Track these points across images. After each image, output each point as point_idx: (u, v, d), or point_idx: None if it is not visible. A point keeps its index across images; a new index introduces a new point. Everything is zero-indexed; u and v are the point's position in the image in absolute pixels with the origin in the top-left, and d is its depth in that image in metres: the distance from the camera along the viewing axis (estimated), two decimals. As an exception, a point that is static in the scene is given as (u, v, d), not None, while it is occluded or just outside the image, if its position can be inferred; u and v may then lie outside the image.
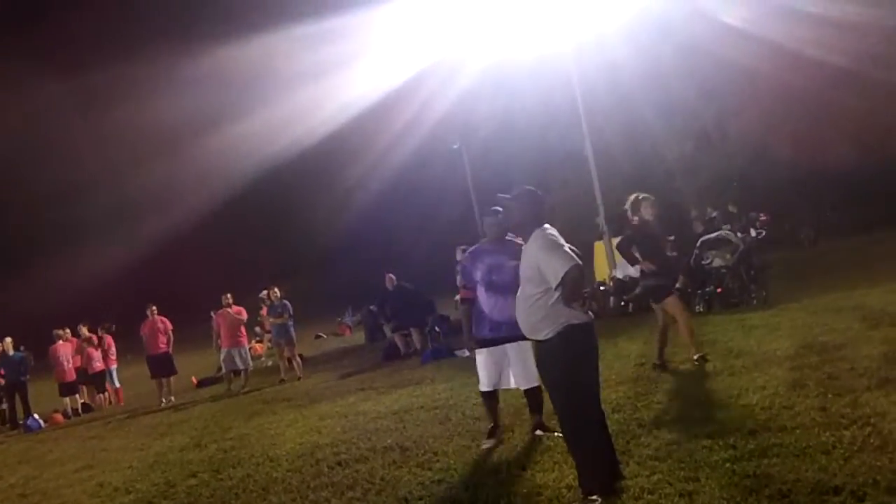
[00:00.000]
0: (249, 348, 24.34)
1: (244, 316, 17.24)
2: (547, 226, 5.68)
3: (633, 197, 10.38)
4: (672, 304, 9.96)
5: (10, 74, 55.70)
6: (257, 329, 26.43)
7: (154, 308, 17.54)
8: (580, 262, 5.43)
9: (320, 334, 30.21)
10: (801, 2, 25.15)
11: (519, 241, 7.47)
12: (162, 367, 17.46)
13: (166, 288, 18.00)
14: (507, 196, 5.92)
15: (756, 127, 30.14)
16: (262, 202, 57.77)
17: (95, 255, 52.88)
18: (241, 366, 17.06)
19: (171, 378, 17.63)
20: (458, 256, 17.09)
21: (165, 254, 51.06)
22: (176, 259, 51.72)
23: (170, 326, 17.68)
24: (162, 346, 17.44)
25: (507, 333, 7.22)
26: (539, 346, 5.66)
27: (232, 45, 38.77)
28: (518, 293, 5.73)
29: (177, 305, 17.76)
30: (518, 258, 6.11)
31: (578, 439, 5.57)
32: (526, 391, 7.69)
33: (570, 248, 5.51)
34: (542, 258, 5.47)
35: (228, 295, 17.24)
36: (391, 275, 18.86)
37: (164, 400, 17.00)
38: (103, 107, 52.64)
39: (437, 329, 17.95)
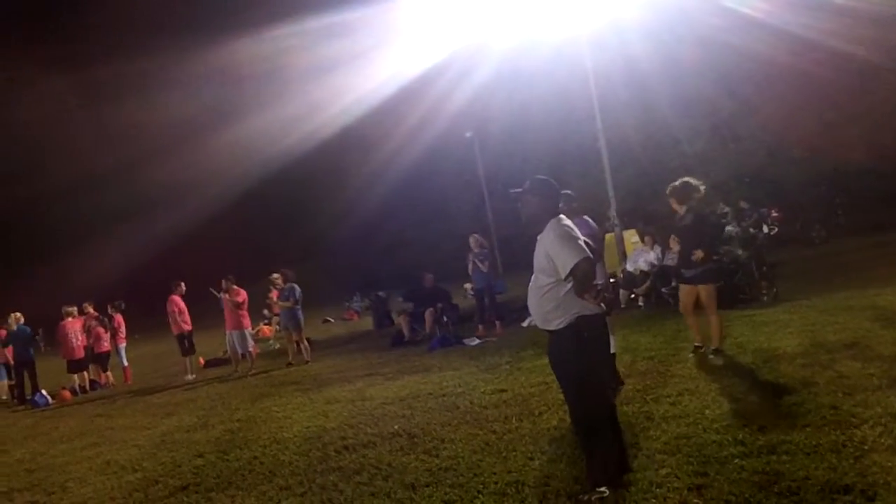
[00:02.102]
0: (257, 331, 24.45)
1: (241, 298, 17.18)
2: (562, 216, 5.67)
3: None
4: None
5: (32, 70, 56.19)
6: (265, 312, 26.46)
7: (183, 285, 17.72)
8: (591, 255, 5.41)
9: (328, 319, 30.22)
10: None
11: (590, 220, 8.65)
12: (191, 344, 17.88)
13: (183, 271, 18.05)
14: (519, 190, 5.88)
15: (772, 123, 29.98)
16: (280, 191, 58.15)
17: (117, 242, 53.60)
18: (239, 349, 17.09)
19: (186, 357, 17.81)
20: (472, 244, 17.12)
21: (184, 240, 51.44)
22: (194, 245, 52.00)
23: None
24: (188, 324, 17.64)
25: None
26: (550, 336, 5.64)
27: (251, 39, 39.08)
28: (531, 282, 5.72)
29: (192, 288, 17.75)
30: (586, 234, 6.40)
31: (589, 431, 5.56)
32: None
33: (584, 241, 5.49)
34: (554, 249, 5.46)
35: (230, 277, 17.26)
36: (430, 275, 19.05)
37: (190, 376, 17.30)
38: (128, 100, 53.16)
39: (445, 318, 17.92)
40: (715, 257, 14.62)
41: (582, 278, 5.36)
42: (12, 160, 56.12)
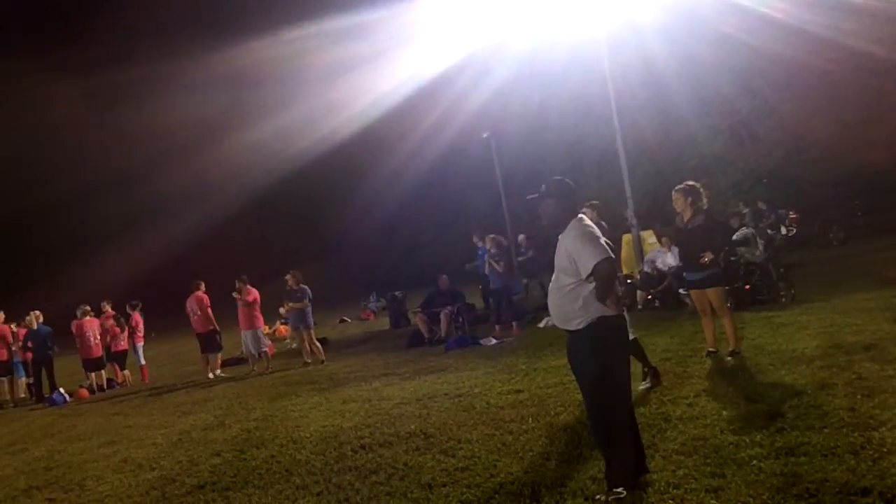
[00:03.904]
0: (274, 330, 24.47)
1: (251, 298, 17.19)
2: (583, 216, 5.66)
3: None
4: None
5: (54, 75, 56.76)
6: (282, 310, 26.48)
7: (203, 284, 17.74)
8: (612, 256, 5.40)
9: (344, 318, 30.23)
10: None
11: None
12: (219, 341, 17.89)
13: (203, 271, 18.20)
14: (536, 195, 5.86)
15: (791, 123, 29.86)
16: (298, 192, 58.45)
17: (138, 242, 54.07)
18: (252, 349, 17.13)
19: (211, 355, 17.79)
20: (488, 245, 17.13)
21: (203, 240, 51.77)
22: (213, 245, 52.30)
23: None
24: (209, 324, 17.66)
25: None
26: (570, 336, 5.64)
27: (269, 41, 39.25)
28: (552, 282, 5.71)
29: (210, 288, 17.80)
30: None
31: (606, 431, 5.54)
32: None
33: (605, 242, 5.49)
34: (575, 249, 5.45)
35: (244, 277, 17.29)
36: (445, 276, 19.12)
37: (210, 375, 17.31)
38: (148, 103, 53.61)
39: (461, 319, 17.91)
40: (732, 258, 14.68)
41: (604, 279, 5.37)
42: (34, 164, 56.71)
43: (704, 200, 10.23)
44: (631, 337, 8.09)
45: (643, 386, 8.59)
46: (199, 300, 17.56)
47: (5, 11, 67.24)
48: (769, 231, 19.17)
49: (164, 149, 55.49)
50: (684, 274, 10.81)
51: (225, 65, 44.39)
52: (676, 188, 10.34)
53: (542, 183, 5.88)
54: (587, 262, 5.36)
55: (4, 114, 53.38)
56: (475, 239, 20.41)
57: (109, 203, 57.01)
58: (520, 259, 20.69)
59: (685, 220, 10.26)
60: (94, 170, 56.60)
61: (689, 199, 10.13)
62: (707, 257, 9.90)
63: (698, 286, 10.24)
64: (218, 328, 17.66)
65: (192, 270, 20.13)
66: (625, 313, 9.06)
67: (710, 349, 10.06)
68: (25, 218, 58.34)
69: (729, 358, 9.66)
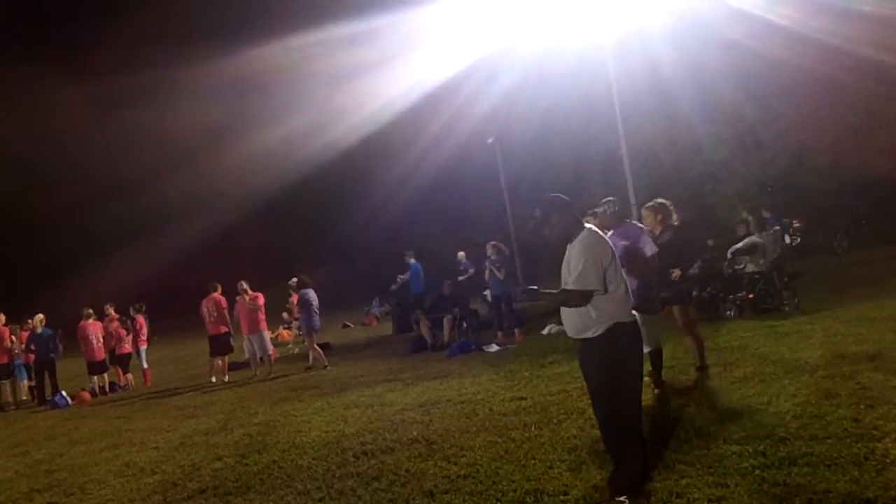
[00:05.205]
0: (277, 335, 24.45)
1: (259, 302, 17.18)
2: (593, 227, 5.73)
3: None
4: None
5: (59, 80, 56.90)
6: (285, 315, 26.46)
7: (217, 286, 17.70)
8: (590, 291, 5.50)
9: (348, 324, 30.21)
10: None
11: (640, 224, 9.55)
12: (220, 346, 17.71)
13: (210, 276, 18.22)
14: (538, 218, 5.87)
15: (797, 130, 29.79)
16: (304, 197, 58.53)
17: (145, 247, 54.21)
18: (257, 353, 17.09)
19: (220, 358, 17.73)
20: (489, 251, 17.15)
21: (210, 245, 51.79)
22: (220, 250, 52.32)
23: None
24: (223, 327, 17.59)
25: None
26: (585, 343, 5.65)
27: (276, 47, 39.31)
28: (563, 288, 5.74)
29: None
30: (630, 238, 8.46)
31: (620, 437, 5.55)
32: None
33: (603, 271, 5.52)
34: (575, 263, 5.55)
35: (244, 282, 17.25)
36: (449, 282, 19.11)
37: (213, 378, 17.25)
38: (155, 109, 53.63)
39: (464, 324, 17.91)
40: (737, 267, 14.67)
41: (569, 299, 5.61)
42: (41, 169, 56.84)
43: (675, 217, 10.26)
44: (647, 349, 8.10)
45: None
46: (216, 302, 17.52)
47: (12, 17, 67.31)
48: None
49: (171, 154, 55.65)
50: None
51: (232, 71, 44.53)
52: (646, 205, 10.52)
53: (537, 207, 5.91)
54: (574, 280, 5.53)
55: (10, 119, 53.50)
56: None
57: (116, 208, 57.10)
58: (459, 279, 20.38)
59: (655, 236, 10.30)
60: (100, 175, 56.72)
61: (659, 216, 10.18)
62: (675, 274, 9.89)
63: (667, 303, 10.21)
64: (231, 331, 17.63)
65: (198, 275, 20.08)
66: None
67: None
68: (32, 222, 58.53)
69: (696, 372, 9.67)
